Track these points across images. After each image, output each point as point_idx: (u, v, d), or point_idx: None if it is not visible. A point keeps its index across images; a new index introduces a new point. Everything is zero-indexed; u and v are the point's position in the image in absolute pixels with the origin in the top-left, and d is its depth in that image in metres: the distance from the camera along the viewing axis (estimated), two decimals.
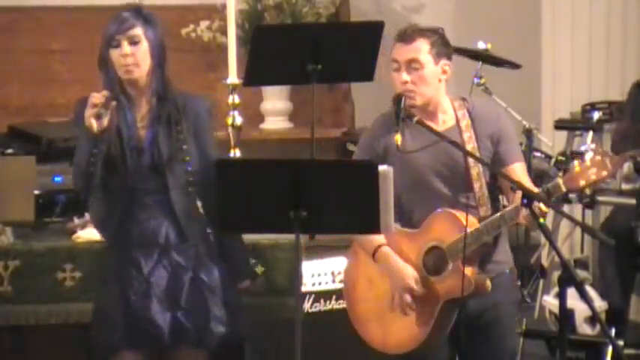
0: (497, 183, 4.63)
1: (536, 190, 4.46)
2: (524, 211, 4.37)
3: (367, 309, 4.74)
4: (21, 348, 5.30)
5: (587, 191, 5.32)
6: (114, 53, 4.46)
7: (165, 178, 4.55)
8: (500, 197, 4.71)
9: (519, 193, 4.37)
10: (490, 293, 4.50)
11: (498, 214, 4.44)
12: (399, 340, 4.65)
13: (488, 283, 4.48)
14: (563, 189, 4.49)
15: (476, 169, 4.57)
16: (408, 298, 4.51)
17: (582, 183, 4.47)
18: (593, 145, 5.98)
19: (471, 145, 4.49)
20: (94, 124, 4.36)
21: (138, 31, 4.45)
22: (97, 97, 4.39)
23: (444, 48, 4.50)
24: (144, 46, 4.42)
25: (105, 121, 4.37)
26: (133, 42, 4.44)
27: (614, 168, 4.55)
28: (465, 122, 4.60)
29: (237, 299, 4.70)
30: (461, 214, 4.45)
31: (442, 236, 4.47)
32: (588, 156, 4.61)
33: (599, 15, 7.41)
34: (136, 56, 4.44)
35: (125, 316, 4.60)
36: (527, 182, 4.61)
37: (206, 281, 4.60)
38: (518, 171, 4.59)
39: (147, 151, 4.56)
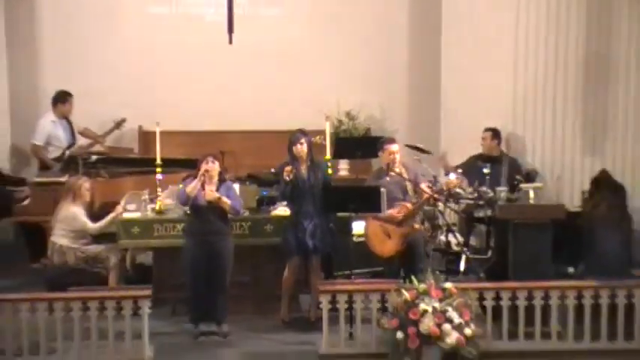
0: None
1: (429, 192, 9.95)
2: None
3: (376, 241, 10.02)
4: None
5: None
6: (295, 148, 9.97)
7: (313, 195, 9.89)
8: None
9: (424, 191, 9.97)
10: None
11: (420, 201, 10.02)
12: (389, 250, 10.10)
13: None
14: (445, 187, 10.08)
15: (411, 188, 10.16)
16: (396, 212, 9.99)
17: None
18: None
19: (405, 177, 10.31)
20: (287, 179, 9.79)
21: (303, 140, 10.00)
22: (289, 170, 9.79)
23: None
24: (306, 145, 9.99)
25: (289, 177, 9.79)
26: (301, 143, 9.92)
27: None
28: (402, 168, 10.14)
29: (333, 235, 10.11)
30: (406, 205, 10.06)
31: (402, 211, 10.00)
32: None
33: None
34: (304, 149, 9.91)
35: (297, 240, 9.97)
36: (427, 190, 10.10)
37: (326, 230, 9.98)
38: (424, 187, 10.05)
39: (308, 182, 9.89)
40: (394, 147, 10.26)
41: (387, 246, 10.25)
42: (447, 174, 11.28)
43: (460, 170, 11.32)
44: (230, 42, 11.53)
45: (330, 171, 10.89)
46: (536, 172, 11.99)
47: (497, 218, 10.71)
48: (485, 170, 11.36)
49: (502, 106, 12.27)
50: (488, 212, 11.02)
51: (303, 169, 10.15)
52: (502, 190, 10.84)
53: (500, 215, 10.60)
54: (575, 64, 11.83)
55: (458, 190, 10.78)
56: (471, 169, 11.53)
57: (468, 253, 11.09)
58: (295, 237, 10.13)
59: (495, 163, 11.64)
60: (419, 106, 12.92)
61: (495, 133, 12.07)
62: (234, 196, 10.09)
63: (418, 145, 11.57)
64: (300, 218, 10.14)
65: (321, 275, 10.32)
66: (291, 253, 10.16)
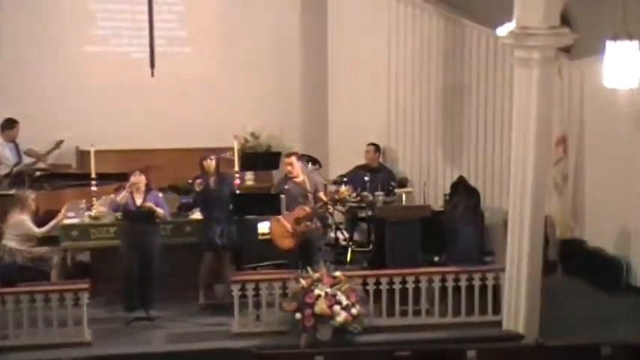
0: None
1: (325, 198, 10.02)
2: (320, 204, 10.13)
3: (278, 236, 10.11)
4: None
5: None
6: (205, 163, 10.06)
7: (221, 203, 10.00)
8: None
9: (321, 197, 10.01)
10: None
11: (316, 206, 10.20)
12: (288, 244, 10.15)
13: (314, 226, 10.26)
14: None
15: (310, 194, 10.28)
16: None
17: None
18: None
19: (307, 186, 10.35)
20: (197, 189, 10.06)
21: (212, 157, 10.20)
22: (198, 182, 9.98)
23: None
24: (215, 161, 10.21)
25: (198, 187, 10.02)
26: (210, 159, 10.16)
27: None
28: (305, 178, 10.30)
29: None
30: (304, 208, 10.21)
31: (300, 213, 10.13)
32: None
33: None
34: (212, 164, 10.12)
35: (209, 240, 10.07)
36: (323, 196, 10.15)
37: (233, 230, 10.16)
38: (321, 194, 10.26)
39: (215, 193, 10.04)
40: (289, 159, 10.35)
41: (286, 241, 10.27)
42: (335, 183, 11.43)
43: (346, 179, 11.42)
44: (152, 75, 11.67)
45: (237, 182, 11.05)
46: (407, 179, 12.24)
47: (377, 217, 10.85)
48: (366, 178, 11.41)
49: (378, 125, 12.47)
50: (369, 213, 11.13)
51: (212, 181, 10.19)
52: (380, 195, 11.03)
53: (379, 215, 10.77)
54: (436, 90, 12.06)
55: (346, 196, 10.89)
56: (354, 177, 11.65)
57: (353, 246, 11.31)
58: (207, 237, 10.20)
59: (374, 172, 11.72)
60: (310, 126, 13.11)
61: (377, 147, 12.07)
62: (163, 205, 10.09)
63: (311, 162, 11.84)
64: (211, 222, 10.22)
65: (231, 268, 10.33)
66: (205, 250, 10.25)
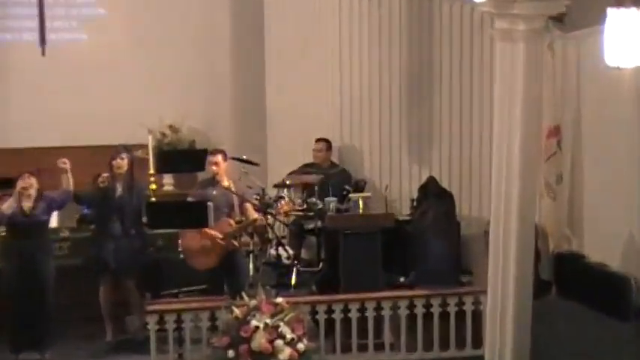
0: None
1: (256, 215, 10.01)
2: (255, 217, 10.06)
3: (193, 253, 9.88)
4: None
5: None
6: (115, 162, 9.76)
7: (122, 214, 9.77)
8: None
9: (249, 211, 10.01)
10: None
11: (245, 222, 10.05)
12: (205, 264, 9.95)
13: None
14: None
15: (237, 204, 10.18)
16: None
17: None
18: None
19: (233, 194, 10.16)
20: (101, 184, 9.78)
21: (124, 156, 9.95)
22: (105, 176, 9.75)
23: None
24: (127, 160, 9.93)
25: (102, 184, 9.76)
26: (121, 158, 9.96)
27: None
28: (231, 184, 10.20)
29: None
30: (230, 222, 10.05)
31: (225, 228, 9.99)
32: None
33: None
34: (124, 164, 9.88)
35: (101, 260, 9.83)
36: (252, 211, 10.02)
37: (132, 248, 9.95)
38: (249, 206, 10.08)
39: (119, 201, 9.88)
40: (215, 157, 10.08)
41: (203, 260, 9.98)
42: (277, 187, 11.07)
43: (289, 182, 11.03)
44: (43, 53, 11.42)
45: (153, 186, 10.94)
46: (364, 181, 11.84)
47: (328, 229, 10.54)
48: None
49: (329, 116, 12.11)
50: (319, 223, 10.77)
51: (119, 185, 9.89)
52: (332, 201, 10.66)
53: (331, 226, 10.45)
54: (399, 73, 11.79)
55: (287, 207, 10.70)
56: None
57: (299, 266, 10.81)
58: (96, 255, 9.94)
59: (325, 174, 11.46)
60: (244, 117, 12.97)
61: (328, 144, 11.80)
62: (56, 196, 9.79)
63: (244, 157, 11.31)
64: (104, 236, 9.91)
65: (137, 295, 10.05)
66: (98, 273, 9.95)
